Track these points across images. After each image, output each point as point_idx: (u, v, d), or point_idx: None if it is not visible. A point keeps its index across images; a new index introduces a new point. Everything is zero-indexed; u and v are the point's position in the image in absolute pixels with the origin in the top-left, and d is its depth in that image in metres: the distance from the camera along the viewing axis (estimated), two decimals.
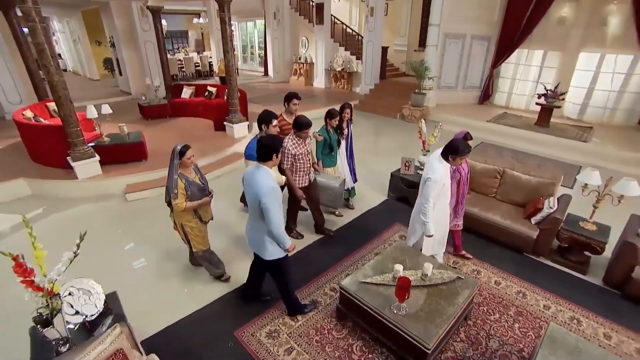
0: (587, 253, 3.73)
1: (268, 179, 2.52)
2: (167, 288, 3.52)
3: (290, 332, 2.97)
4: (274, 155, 2.59)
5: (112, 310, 2.50)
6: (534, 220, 3.85)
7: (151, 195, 5.28)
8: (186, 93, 9.06)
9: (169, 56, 11.59)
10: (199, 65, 15.79)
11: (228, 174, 6.21)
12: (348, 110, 4.48)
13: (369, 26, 11.01)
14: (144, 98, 8.88)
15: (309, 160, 3.92)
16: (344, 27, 12.59)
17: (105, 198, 5.24)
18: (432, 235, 3.19)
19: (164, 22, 10.47)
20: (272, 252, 2.75)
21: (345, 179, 4.54)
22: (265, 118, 3.82)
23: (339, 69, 12.62)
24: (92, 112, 5.93)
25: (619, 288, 3.44)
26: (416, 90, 9.39)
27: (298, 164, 3.79)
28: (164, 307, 3.27)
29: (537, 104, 8.07)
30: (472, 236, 4.19)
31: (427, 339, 2.43)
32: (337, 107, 4.42)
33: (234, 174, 6.22)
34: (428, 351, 2.43)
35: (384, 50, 11.61)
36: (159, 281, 3.62)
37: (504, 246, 4.04)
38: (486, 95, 10.11)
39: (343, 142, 4.61)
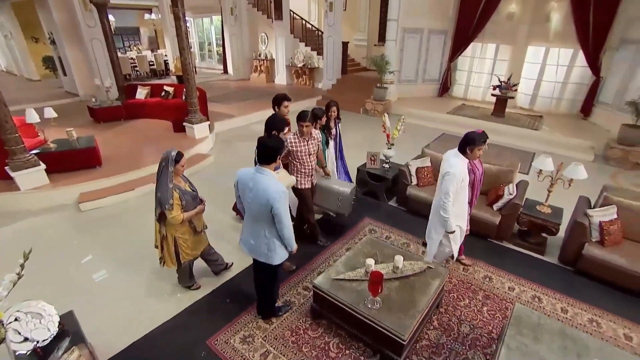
0: (544, 234, 3.96)
1: (276, 183, 2.45)
2: (132, 301, 3.30)
3: (265, 336, 2.90)
4: (278, 157, 2.52)
5: (69, 331, 2.30)
6: (495, 206, 4.03)
7: (108, 203, 4.95)
8: (141, 93, 8.57)
9: (119, 55, 10.88)
10: (153, 64, 15.00)
11: (192, 175, 5.93)
12: (334, 108, 4.29)
13: (328, 21, 11.00)
14: (94, 100, 8.28)
15: (313, 161, 3.71)
16: (304, 22, 12.50)
17: (56, 209, 4.83)
18: (453, 232, 3.16)
19: (111, 17, 9.79)
20: (282, 256, 2.70)
21: (355, 185, 4.38)
22: (276, 125, 3.56)
23: (300, 65, 12.52)
24: (32, 116, 5.39)
25: (572, 265, 3.69)
26: (378, 85, 9.52)
27: (296, 163, 3.63)
28: (129, 321, 3.07)
29: (492, 95, 8.48)
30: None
31: (402, 331, 2.46)
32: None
33: (198, 176, 5.97)
34: (404, 342, 2.46)
35: (345, 45, 11.68)
36: (122, 294, 3.38)
37: (469, 234, 4.17)
38: (445, 87, 10.48)
39: (331, 143, 4.41)
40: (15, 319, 1.93)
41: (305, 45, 12.48)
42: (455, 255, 3.39)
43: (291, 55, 12.72)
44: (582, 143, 7.01)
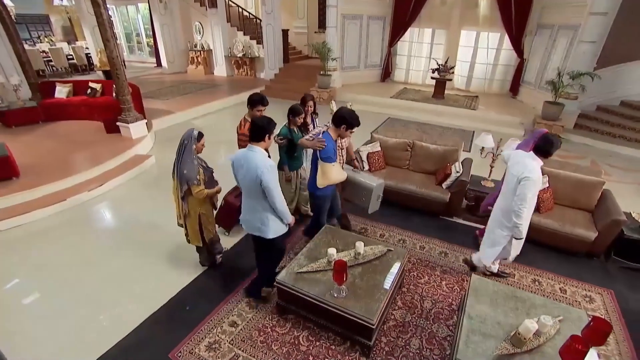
0: (489, 207, 4.23)
1: (265, 158, 2.59)
2: (77, 321, 2.95)
3: (232, 340, 2.76)
4: (267, 136, 2.63)
5: None
6: (444, 185, 4.22)
7: (32, 219, 4.34)
8: (61, 92, 7.60)
9: (27, 47, 9.51)
10: (72, 58, 13.36)
11: (133, 179, 5.46)
12: (311, 103, 4.01)
13: (266, 9, 10.66)
14: (0, 101, 7.18)
15: (342, 155, 3.56)
16: (240, 10, 11.96)
17: None
18: (522, 238, 3.00)
19: (8, 2, 8.35)
20: (276, 229, 2.80)
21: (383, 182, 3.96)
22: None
23: (239, 55, 12.03)
24: None
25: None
26: (321, 72, 9.49)
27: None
28: (77, 345, 2.74)
29: (432, 78, 8.88)
30: (393, 208, 4.41)
31: (370, 315, 2.48)
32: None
33: (140, 179, 5.50)
34: (373, 326, 2.48)
35: (285, 33, 11.42)
36: (62, 316, 3.00)
37: (422, 212, 4.36)
38: (387, 72, 10.75)
39: None
40: None
41: (244, 34, 11.99)
42: (511, 260, 3.25)
43: (229, 45, 12.15)
44: (513, 120, 7.64)
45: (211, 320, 2.93)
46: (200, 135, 2.99)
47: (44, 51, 12.94)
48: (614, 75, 7.43)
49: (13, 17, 7.95)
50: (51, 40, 15.57)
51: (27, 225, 4.26)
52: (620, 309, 3.12)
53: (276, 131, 3.07)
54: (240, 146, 3.47)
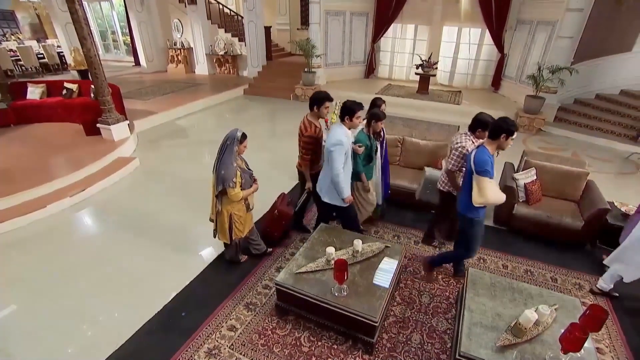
0: None
1: (340, 134, 2.98)
2: (69, 333, 2.82)
3: (232, 344, 2.70)
4: (347, 117, 3.03)
5: None
6: None
7: (9, 228, 4.11)
8: (34, 93, 7.24)
9: None
10: (43, 57, 12.77)
11: (117, 183, 5.26)
12: (384, 106, 3.70)
13: (247, 5, 10.48)
14: None
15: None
16: (221, 6, 11.72)
17: None
18: None
19: None
20: (330, 197, 3.24)
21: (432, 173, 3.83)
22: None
23: (221, 52, 11.80)
24: None
25: (506, 225, 4.10)
26: (306, 69, 9.42)
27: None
28: (72, 358, 2.62)
29: (416, 73, 8.97)
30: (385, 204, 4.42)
31: (373, 313, 2.47)
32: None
33: (124, 183, 5.31)
34: (376, 324, 2.48)
35: (267, 30, 11.28)
36: (54, 328, 2.86)
37: (414, 209, 4.38)
38: (370, 69, 10.78)
39: (379, 150, 3.71)
40: None
41: (225, 32, 11.75)
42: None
43: (211, 43, 11.89)
44: (496, 114, 7.46)
45: (209, 325, 2.86)
46: (244, 136, 3.02)
47: (11, 50, 12.31)
48: (589, 69, 7.70)
49: None
50: (18, 38, 14.83)
51: (3, 235, 4.04)
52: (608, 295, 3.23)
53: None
54: (306, 149, 3.37)
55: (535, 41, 8.08)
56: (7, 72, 10.55)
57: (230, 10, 11.93)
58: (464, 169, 3.11)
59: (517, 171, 4.18)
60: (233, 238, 3.24)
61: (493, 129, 2.73)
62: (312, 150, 3.39)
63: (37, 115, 7.07)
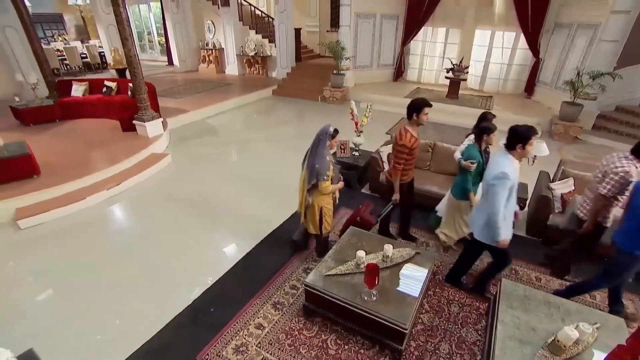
0: None
1: (506, 165, 2.54)
2: (102, 322, 2.95)
3: (259, 342, 2.74)
4: (519, 145, 2.54)
5: None
6: None
7: (52, 217, 4.36)
8: (78, 90, 7.65)
9: (43, 46, 9.57)
10: (86, 57, 13.49)
11: (150, 178, 5.47)
12: (494, 120, 3.46)
13: (279, 7, 10.62)
14: (17, 99, 7.23)
15: None
16: (252, 8, 11.95)
17: None
18: None
19: (26, 1, 8.39)
20: (482, 235, 2.83)
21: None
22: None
23: (251, 53, 12.02)
24: None
25: (539, 236, 3.94)
26: (334, 71, 9.43)
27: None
28: (103, 347, 2.74)
29: (446, 77, 8.79)
30: (415, 209, 4.35)
31: (403, 320, 2.45)
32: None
33: (159, 177, 5.51)
34: (406, 331, 2.45)
35: (297, 32, 11.39)
36: (88, 317, 3.00)
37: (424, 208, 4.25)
38: (399, 72, 10.67)
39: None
40: None
41: (256, 33, 11.97)
42: None
43: (241, 44, 12.15)
44: (530, 120, 7.51)
45: (237, 322, 2.91)
46: (336, 131, 3.07)
47: (58, 50, 13.05)
48: (634, 74, 7.29)
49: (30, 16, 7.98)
50: (65, 39, 15.70)
51: (47, 224, 4.28)
52: None
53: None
54: (398, 158, 3.26)
55: (574, 45, 7.74)
56: (54, 71, 11.17)
57: (261, 12, 12.14)
58: (621, 197, 2.83)
59: (553, 181, 4.02)
60: (323, 231, 3.33)
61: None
62: (404, 160, 3.26)
63: (79, 112, 7.47)
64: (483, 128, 3.20)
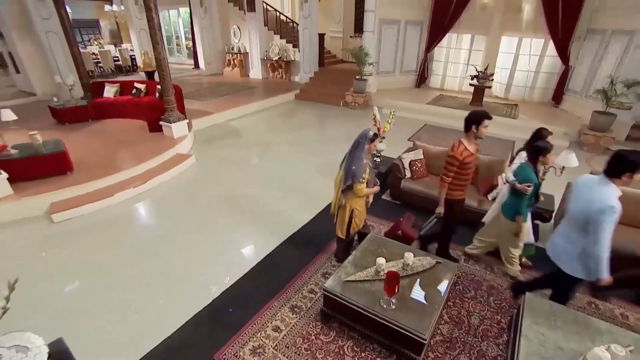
0: (536, 222, 4.04)
1: (613, 196, 2.26)
2: (125, 318, 3.05)
3: (276, 345, 2.76)
4: (627, 174, 2.24)
5: None
6: (490, 196, 4.07)
7: (84, 212, 4.56)
8: (109, 91, 8.00)
9: (80, 49, 10.07)
10: (118, 60, 14.10)
11: (174, 178, 5.63)
12: (550, 137, 3.30)
13: (303, 13, 10.76)
14: (55, 99, 7.64)
15: None
16: (277, 14, 12.16)
17: (25, 222, 4.39)
18: None
19: (67, 8, 8.92)
20: (577, 270, 2.56)
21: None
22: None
23: (275, 58, 12.21)
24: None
25: None
26: (357, 77, 9.45)
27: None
28: (125, 341, 2.83)
29: (470, 84, 8.64)
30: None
31: (423, 330, 2.41)
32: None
33: (183, 177, 5.67)
34: (425, 341, 2.41)
35: (321, 37, 11.49)
36: (113, 312, 3.11)
37: (466, 224, 4.19)
38: (422, 78, 10.58)
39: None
40: None
41: (280, 38, 12.16)
42: None
43: (266, 48, 12.36)
44: (557, 130, 7.25)
45: (254, 324, 2.94)
46: (375, 136, 3.11)
47: (94, 53, 13.69)
48: None
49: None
50: (100, 43, 16.46)
51: (78, 219, 4.48)
52: None
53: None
54: (446, 169, 3.13)
55: (608, 52, 7.46)
56: (89, 73, 11.69)
57: (286, 17, 12.34)
58: None
59: None
60: (350, 232, 3.36)
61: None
62: (453, 173, 3.10)
63: (110, 112, 7.80)
64: (540, 148, 2.98)
